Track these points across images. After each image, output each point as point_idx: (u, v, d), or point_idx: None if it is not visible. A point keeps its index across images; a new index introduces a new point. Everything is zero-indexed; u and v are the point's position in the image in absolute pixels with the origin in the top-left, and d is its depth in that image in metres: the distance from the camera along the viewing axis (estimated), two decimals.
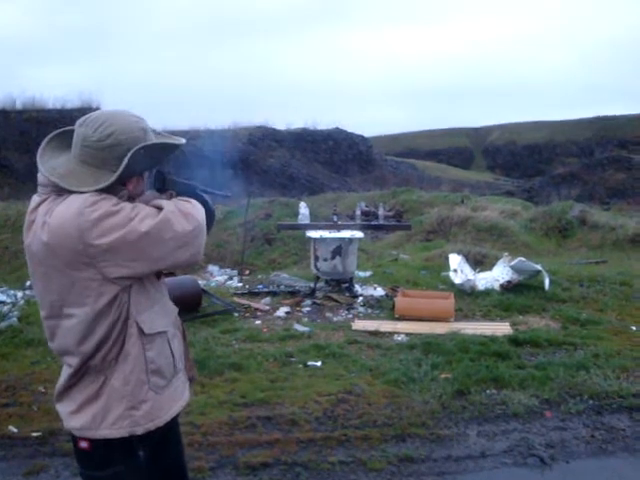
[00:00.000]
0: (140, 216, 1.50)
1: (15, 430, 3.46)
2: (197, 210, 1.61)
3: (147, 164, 1.63)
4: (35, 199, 1.59)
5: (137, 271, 1.53)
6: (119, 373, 1.57)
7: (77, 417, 1.60)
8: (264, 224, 13.20)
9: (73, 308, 1.53)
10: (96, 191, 1.52)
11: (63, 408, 1.64)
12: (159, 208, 1.55)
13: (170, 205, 1.56)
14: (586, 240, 12.54)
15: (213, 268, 9.49)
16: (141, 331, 1.58)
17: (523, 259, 6.82)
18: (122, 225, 1.47)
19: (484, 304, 6.25)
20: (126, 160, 1.51)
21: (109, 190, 1.54)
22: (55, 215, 1.50)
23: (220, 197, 1.94)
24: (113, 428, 1.57)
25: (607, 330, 5.40)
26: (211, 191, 1.81)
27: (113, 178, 1.52)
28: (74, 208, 1.48)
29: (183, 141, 1.66)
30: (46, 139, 1.61)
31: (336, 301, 6.44)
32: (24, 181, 24.33)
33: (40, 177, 1.58)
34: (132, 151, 1.52)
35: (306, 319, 5.84)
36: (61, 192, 1.54)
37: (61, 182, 1.52)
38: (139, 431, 1.60)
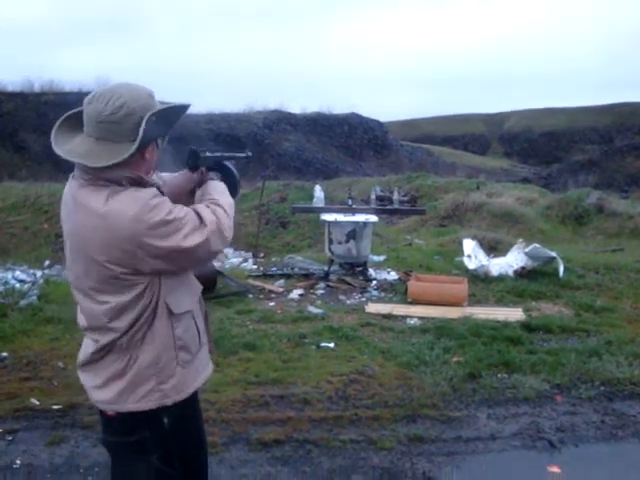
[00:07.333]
0: (186, 230, 1.58)
1: (37, 403, 3.56)
2: (230, 222, 1.69)
3: (160, 130, 1.66)
4: (72, 183, 1.64)
5: (166, 270, 1.63)
6: (147, 353, 1.64)
7: (103, 392, 1.66)
8: (279, 207, 13.26)
9: (108, 296, 1.60)
10: (119, 164, 1.55)
11: (87, 381, 1.71)
12: (202, 220, 1.61)
13: (212, 223, 1.62)
14: (603, 228, 12.39)
15: (228, 250, 9.57)
16: (170, 311, 1.65)
17: (538, 245, 6.78)
18: (171, 235, 1.55)
19: (497, 290, 6.24)
20: (142, 127, 1.54)
21: (131, 162, 1.57)
22: (111, 210, 1.54)
23: (243, 158, 2.01)
24: (142, 402, 1.64)
25: (621, 318, 5.38)
26: (235, 156, 1.92)
27: (133, 148, 1.55)
28: (132, 212, 1.52)
29: (190, 104, 1.72)
30: (56, 125, 1.65)
31: (350, 284, 6.47)
32: (41, 162, 24.59)
33: (78, 164, 1.61)
34: (146, 118, 1.55)
35: (320, 302, 5.88)
36: (99, 179, 1.57)
37: (83, 161, 1.56)
38: (168, 402, 1.67)
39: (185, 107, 1.69)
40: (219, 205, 1.69)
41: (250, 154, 2.05)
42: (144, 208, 1.52)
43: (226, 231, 1.66)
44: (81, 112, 1.61)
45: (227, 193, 1.78)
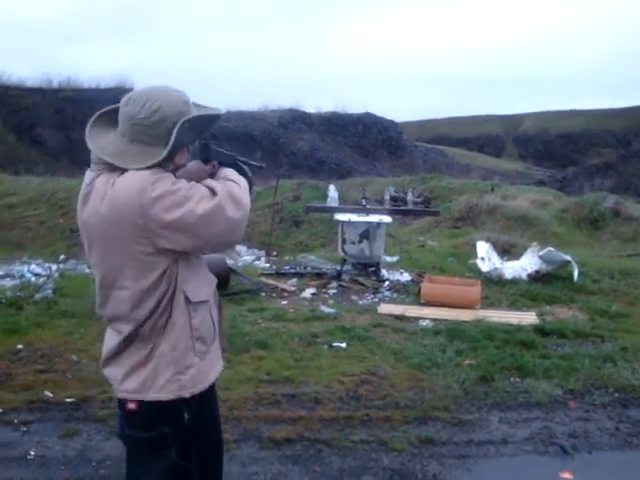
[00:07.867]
0: (196, 198, 1.57)
1: (51, 395, 3.60)
2: (245, 194, 1.68)
3: (192, 136, 1.68)
4: (89, 174, 1.66)
5: (185, 247, 1.62)
6: (167, 341, 1.65)
7: (128, 381, 1.68)
8: (293, 206, 13.29)
9: (128, 281, 1.62)
10: (151, 167, 1.58)
11: (112, 373, 1.73)
12: (212, 190, 1.61)
13: (223, 190, 1.62)
14: (619, 232, 12.25)
15: (241, 248, 9.60)
16: (187, 300, 1.66)
17: (552, 249, 6.73)
18: (180, 204, 1.55)
19: (511, 293, 6.21)
20: (174, 134, 1.57)
21: (159, 164, 1.60)
22: (117, 189, 1.57)
23: (255, 167, 2.01)
24: (162, 392, 1.66)
25: (637, 324, 5.32)
26: (247, 161, 1.91)
27: (164, 153, 1.58)
28: (136, 185, 1.55)
29: (223, 111, 1.72)
30: (92, 119, 1.67)
31: (362, 284, 6.46)
32: (58, 158, 24.90)
33: (93, 155, 1.65)
34: (178, 125, 1.58)
35: (332, 301, 5.89)
36: (114, 168, 1.60)
37: (114, 161, 1.58)
38: (186, 394, 1.68)
39: (218, 116, 1.71)
40: (229, 179, 1.69)
41: (263, 165, 2.05)
42: (147, 181, 1.55)
43: (240, 198, 1.64)
44: (117, 109, 1.64)
45: (239, 176, 1.77)
